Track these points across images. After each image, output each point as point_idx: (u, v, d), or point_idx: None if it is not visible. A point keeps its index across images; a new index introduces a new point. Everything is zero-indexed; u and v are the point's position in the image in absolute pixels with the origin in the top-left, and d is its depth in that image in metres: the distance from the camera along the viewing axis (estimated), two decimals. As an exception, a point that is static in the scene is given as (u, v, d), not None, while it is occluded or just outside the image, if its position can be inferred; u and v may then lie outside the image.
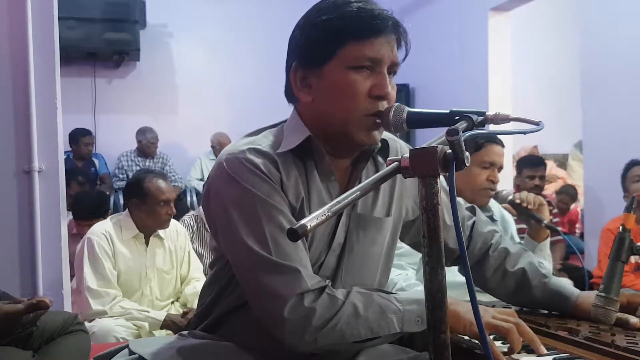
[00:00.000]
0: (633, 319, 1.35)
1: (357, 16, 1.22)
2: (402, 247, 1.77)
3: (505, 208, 2.41)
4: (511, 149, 5.73)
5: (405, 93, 6.28)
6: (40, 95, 2.81)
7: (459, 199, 2.12)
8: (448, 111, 1.11)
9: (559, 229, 4.61)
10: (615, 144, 4.17)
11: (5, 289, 2.16)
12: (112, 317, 2.87)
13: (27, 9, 2.79)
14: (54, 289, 2.82)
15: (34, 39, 2.80)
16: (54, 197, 2.85)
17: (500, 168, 2.39)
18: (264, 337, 1.19)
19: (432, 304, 0.86)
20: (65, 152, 4.35)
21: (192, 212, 3.85)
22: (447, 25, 5.89)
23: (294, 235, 0.80)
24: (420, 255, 2.14)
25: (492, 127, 1.12)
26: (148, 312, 2.95)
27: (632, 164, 3.68)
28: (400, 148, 1.44)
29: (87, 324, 2.62)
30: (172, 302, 3.18)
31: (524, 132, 1.07)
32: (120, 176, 6.31)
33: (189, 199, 6.24)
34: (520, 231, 2.64)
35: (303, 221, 0.81)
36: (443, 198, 1.36)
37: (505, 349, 1.17)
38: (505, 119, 1.08)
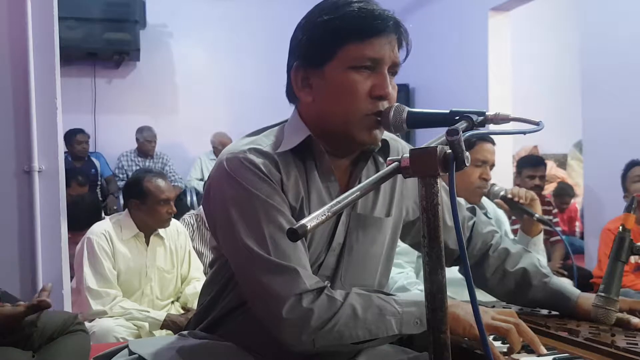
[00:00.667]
0: (634, 320, 1.35)
1: (358, 16, 1.22)
2: (399, 245, 1.78)
3: (497, 204, 2.43)
4: (511, 149, 5.73)
5: (405, 93, 6.28)
6: (40, 95, 2.81)
7: (459, 199, 2.13)
8: (448, 111, 1.11)
9: (558, 227, 4.65)
10: (615, 144, 4.17)
11: (5, 289, 2.16)
12: (112, 317, 2.87)
13: (27, 9, 2.79)
14: (54, 289, 2.81)
15: (34, 39, 2.80)
16: (54, 197, 2.85)
17: (492, 165, 2.41)
18: (264, 337, 1.19)
19: (432, 304, 0.86)
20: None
21: (192, 212, 3.86)
22: (447, 25, 5.89)
23: (294, 235, 0.80)
24: (417, 253, 2.15)
25: (492, 127, 1.12)
26: (148, 312, 2.95)
27: (632, 164, 3.68)
28: (401, 148, 1.44)
29: (87, 324, 2.62)
30: (172, 302, 3.18)
31: (524, 132, 1.07)
32: (121, 176, 6.31)
33: (189, 198, 6.24)
34: (515, 232, 2.64)
35: (303, 221, 0.81)
36: (444, 198, 1.36)
37: (505, 349, 1.17)
38: (505, 119, 1.08)
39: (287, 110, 1.38)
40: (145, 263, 3.06)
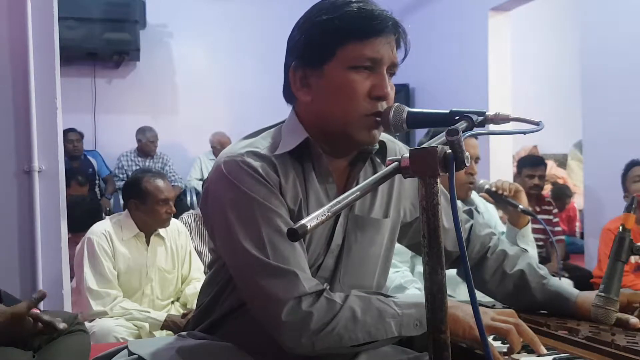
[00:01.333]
0: (633, 319, 1.35)
1: (358, 16, 1.22)
2: None
3: (483, 197, 2.43)
4: (511, 149, 5.74)
5: (405, 93, 6.27)
6: (40, 95, 2.81)
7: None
8: (448, 111, 1.11)
9: (558, 227, 4.64)
10: (615, 144, 4.17)
11: (5, 289, 2.16)
12: (112, 317, 2.87)
13: (27, 9, 2.79)
14: (54, 289, 2.82)
15: (34, 39, 2.80)
16: (54, 197, 2.85)
17: (477, 159, 2.42)
18: (263, 338, 1.19)
19: (432, 304, 0.86)
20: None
21: (191, 211, 3.86)
22: (447, 25, 5.89)
23: (294, 235, 0.80)
24: (410, 252, 2.16)
25: (492, 127, 1.12)
26: (149, 312, 2.95)
27: (632, 164, 3.68)
28: (399, 150, 1.44)
29: (87, 324, 2.62)
30: (172, 302, 3.17)
31: (524, 132, 1.07)
32: (120, 176, 6.31)
33: (189, 198, 6.24)
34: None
35: (303, 221, 0.81)
36: (442, 202, 1.36)
37: (505, 349, 1.17)
38: (505, 119, 1.08)
39: (286, 110, 1.38)
40: (146, 263, 3.05)
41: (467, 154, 0.87)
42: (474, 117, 1.04)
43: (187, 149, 6.94)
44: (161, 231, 3.10)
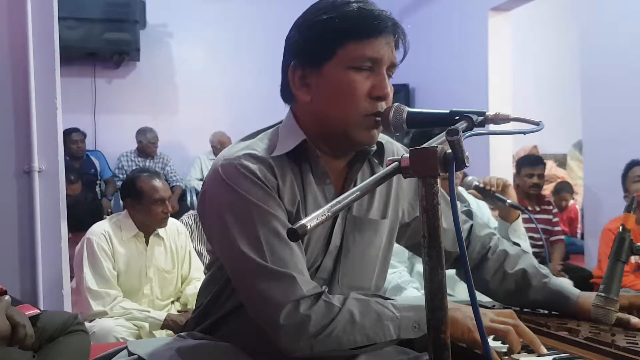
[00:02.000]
0: (634, 319, 1.35)
1: (358, 16, 1.22)
2: None
3: (472, 194, 2.44)
4: (511, 149, 5.74)
5: (405, 93, 6.27)
6: (40, 95, 2.81)
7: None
8: (448, 111, 1.11)
9: (557, 227, 4.64)
10: (615, 144, 4.17)
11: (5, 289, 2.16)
12: (112, 317, 2.87)
13: (27, 9, 2.78)
14: (54, 289, 2.82)
15: (34, 39, 2.80)
16: (54, 197, 2.84)
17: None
18: (263, 339, 1.19)
19: (432, 304, 0.86)
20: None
21: (191, 212, 3.86)
22: (447, 25, 5.89)
23: (294, 235, 0.80)
24: (407, 252, 2.16)
25: (492, 127, 1.12)
26: (149, 312, 2.95)
27: (632, 164, 3.68)
28: (396, 150, 1.44)
29: (87, 324, 2.62)
30: (172, 302, 3.17)
31: (524, 132, 1.07)
32: (120, 176, 6.30)
33: (189, 198, 6.24)
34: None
35: (303, 221, 0.81)
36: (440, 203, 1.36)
37: (505, 349, 1.17)
38: (505, 119, 1.08)
39: (286, 110, 1.38)
40: (145, 263, 3.05)
41: (467, 154, 0.87)
42: (474, 117, 1.04)
43: (187, 149, 6.94)
44: (160, 231, 3.10)
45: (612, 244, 1.37)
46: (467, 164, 0.87)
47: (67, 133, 5.96)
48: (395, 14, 1.28)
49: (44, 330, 2.08)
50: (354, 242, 1.34)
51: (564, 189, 5.93)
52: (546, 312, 1.52)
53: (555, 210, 4.83)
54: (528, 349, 1.18)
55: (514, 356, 1.16)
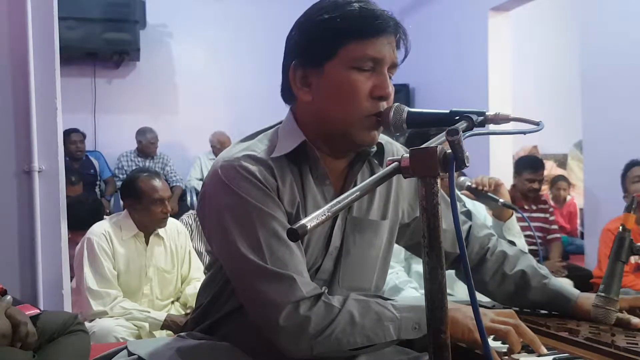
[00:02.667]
0: (634, 320, 1.35)
1: (359, 16, 1.22)
2: None
3: (464, 194, 2.45)
4: (511, 149, 5.74)
5: (405, 93, 6.27)
6: (40, 95, 2.81)
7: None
8: (448, 111, 1.11)
9: (554, 225, 4.64)
10: (615, 144, 4.17)
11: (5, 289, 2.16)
12: (112, 317, 2.87)
13: (27, 9, 2.78)
14: (54, 289, 2.82)
15: (34, 39, 2.79)
16: (54, 197, 2.84)
17: None
18: (263, 339, 1.19)
19: (432, 304, 0.86)
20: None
21: (191, 211, 3.86)
22: (447, 25, 5.89)
23: (294, 235, 0.80)
24: (404, 252, 2.15)
25: (492, 127, 1.12)
26: (149, 312, 2.95)
27: (632, 164, 3.68)
28: (396, 150, 1.43)
29: (87, 324, 2.62)
30: (172, 302, 3.17)
31: (524, 132, 1.06)
32: (120, 176, 6.29)
33: (189, 198, 6.24)
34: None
35: (303, 221, 0.81)
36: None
37: (505, 349, 1.17)
38: (505, 119, 1.08)
39: (287, 110, 1.38)
40: (145, 263, 3.06)
41: (467, 154, 0.87)
42: (474, 117, 1.04)
43: (187, 149, 6.94)
44: (160, 231, 3.10)
45: (612, 244, 1.37)
46: (467, 164, 0.87)
47: (66, 134, 5.93)
48: (396, 14, 1.28)
49: (44, 330, 2.08)
50: (354, 243, 1.34)
51: (559, 179, 5.92)
52: (546, 312, 1.52)
53: (552, 209, 4.83)
54: (528, 349, 1.18)
55: (514, 356, 1.16)
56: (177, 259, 3.17)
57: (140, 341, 1.97)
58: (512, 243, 2.31)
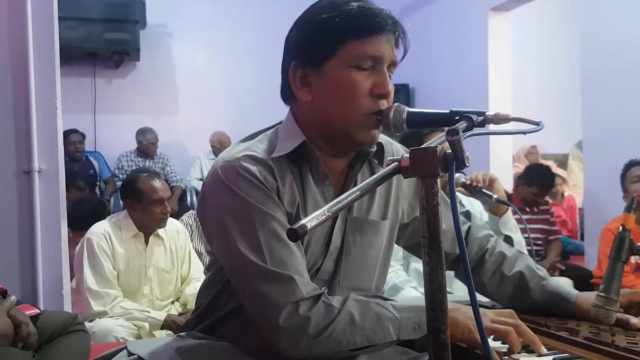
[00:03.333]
0: (633, 320, 1.35)
1: (358, 14, 1.22)
2: None
3: (459, 191, 2.46)
4: (511, 149, 5.74)
5: (405, 93, 6.27)
6: (40, 95, 2.81)
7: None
8: (448, 111, 1.11)
9: (554, 227, 4.64)
10: (615, 144, 4.17)
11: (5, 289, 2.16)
12: (112, 317, 2.87)
13: (27, 9, 2.78)
14: (54, 289, 2.82)
15: (34, 39, 2.80)
16: (54, 197, 2.85)
17: None
18: (263, 339, 1.19)
19: (432, 303, 0.86)
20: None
21: (191, 212, 3.85)
22: (447, 25, 5.89)
23: (294, 235, 0.79)
24: (402, 251, 2.15)
25: (492, 127, 1.12)
26: (149, 312, 2.95)
27: (631, 164, 3.67)
28: (396, 150, 1.44)
29: (87, 324, 2.62)
30: (172, 302, 3.18)
31: (524, 132, 1.07)
32: (120, 176, 6.29)
33: (188, 198, 6.24)
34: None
35: (303, 221, 0.81)
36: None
37: (505, 349, 1.17)
38: (505, 119, 1.08)
39: (286, 111, 1.38)
40: (145, 263, 3.06)
41: (467, 153, 0.87)
42: (474, 117, 1.04)
43: (187, 148, 6.94)
44: (160, 231, 3.10)
45: (612, 244, 1.36)
46: (467, 164, 0.87)
47: (65, 134, 5.91)
48: (395, 14, 1.28)
49: (44, 330, 2.08)
50: (355, 243, 1.34)
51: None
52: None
53: (552, 210, 4.83)
54: (528, 349, 1.18)
55: (514, 356, 1.16)
56: (177, 259, 3.17)
57: (140, 341, 1.97)
58: (509, 238, 2.32)
